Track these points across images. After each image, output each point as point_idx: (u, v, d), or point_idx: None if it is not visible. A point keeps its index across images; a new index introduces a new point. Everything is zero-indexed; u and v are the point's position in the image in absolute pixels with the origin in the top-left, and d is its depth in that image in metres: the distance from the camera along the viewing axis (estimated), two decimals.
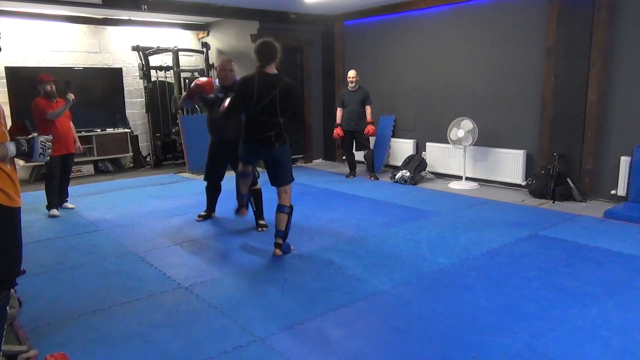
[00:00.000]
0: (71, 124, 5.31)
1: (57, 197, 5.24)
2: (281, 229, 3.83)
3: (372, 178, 6.96)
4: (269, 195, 4.36)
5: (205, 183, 4.90)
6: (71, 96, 5.06)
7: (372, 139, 7.45)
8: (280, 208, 3.83)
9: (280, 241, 3.85)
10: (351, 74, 6.82)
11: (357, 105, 6.77)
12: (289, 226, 3.86)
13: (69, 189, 5.55)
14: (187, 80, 8.40)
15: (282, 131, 3.71)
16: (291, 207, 3.87)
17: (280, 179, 3.81)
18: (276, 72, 3.64)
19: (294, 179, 3.93)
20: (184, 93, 4.59)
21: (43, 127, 4.86)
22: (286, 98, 3.62)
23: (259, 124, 3.63)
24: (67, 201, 5.46)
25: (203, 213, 4.97)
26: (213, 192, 4.92)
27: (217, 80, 4.58)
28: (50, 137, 2.32)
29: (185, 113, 8.16)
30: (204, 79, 4.37)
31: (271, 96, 3.55)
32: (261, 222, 4.61)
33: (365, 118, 6.81)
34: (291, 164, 3.93)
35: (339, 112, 6.94)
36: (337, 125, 6.94)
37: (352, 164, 7.20)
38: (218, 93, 4.48)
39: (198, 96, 4.43)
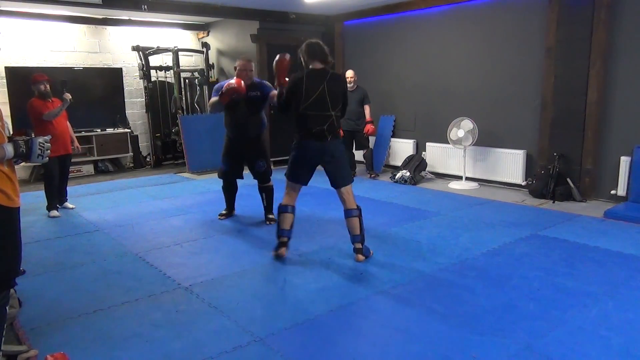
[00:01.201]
0: (68, 123, 5.27)
1: (56, 198, 5.22)
2: (357, 234, 3.69)
3: (372, 176, 7.00)
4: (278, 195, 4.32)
5: (222, 182, 4.89)
6: (68, 96, 5.01)
7: (371, 139, 7.47)
8: (348, 213, 3.68)
9: (360, 245, 3.72)
10: (349, 74, 6.84)
11: (355, 104, 6.78)
12: (363, 228, 3.72)
13: (68, 188, 5.54)
14: (187, 80, 8.42)
15: (335, 126, 3.64)
16: (359, 209, 3.71)
17: (339, 179, 3.67)
18: (323, 67, 3.64)
19: (353, 180, 3.85)
20: (213, 99, 4.43)
21: (40, 128, 4.81)
22: (337, 87, 3.63)
23: (309, 119, 3.57)
24: (67, 200, 5.44)
25: (224, 212, 4.97)
26: (231, 190, 4.92)
27: (234, 79, 4.47)
28: (48, 137, 2.31)
29: (185, 113, 8.17)
30: (233, 81, 4.25)
31: (320, 89, 3.55)
32: (270, 215, 4.76)
33: (364, 117, 6.83)
34: (347, 164, 3.84)
35: None
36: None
37: (352, 163, 7.20)
38: (254, 92, 4.48)
39: (230, 99, 4.31)
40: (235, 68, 4.55)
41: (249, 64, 4.52)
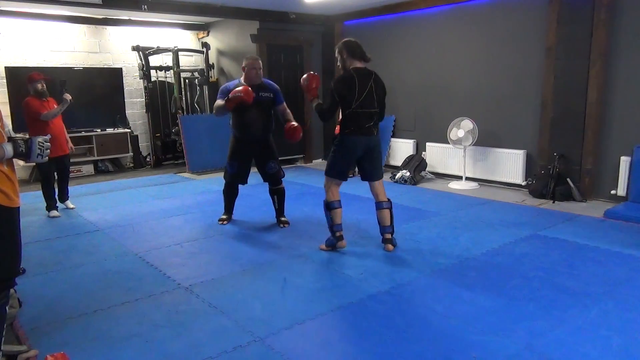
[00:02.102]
0: (63, 124, 5.17)
1: (54, 199, 5.20)
2: (387, 225, 3.91)
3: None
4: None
5: (224, 187, 4.77)
6: (68, 96, 4.93)
7: None
8: (380, 205, 3.89)
9: (389, 236, 3.93)
10: None
11: None
12: (393, 219, 3.94)
13: (69, 188, 5.51)
14: (187, 80, 8.42)
15: (378, 121, 3.85)
16: (390, 201, 3.92)
17: (377, 171, 3.89)
18: (365, 65, 3.79)
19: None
20: (219, 102, 4.32)
21: (35, 127, 4.72)
22: (380, 87, 3.80)
23: (359, 116, 3.71)
24: (67, 199, 5.41)
25: (224, 217, 4.81)
26: (233, 194, 4.78)
27: (242, 78, 4.45)
28: (48, 137, 2.30)
29: (185, 113, 8.17)
30: (240, 88, 4.16)
31: (369, 88, 3.70)
32: (282, 218, 4.72)
33: None
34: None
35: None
36: (338, 124, 6.96)
37: None
38: (265, 93, 4.42)
39: (235, 105, 4.23)
40: (243, 68, 4.39)
41: (258, 62, 4.41)
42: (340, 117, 6.71)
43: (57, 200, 5.27)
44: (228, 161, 4.60)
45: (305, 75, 3.96)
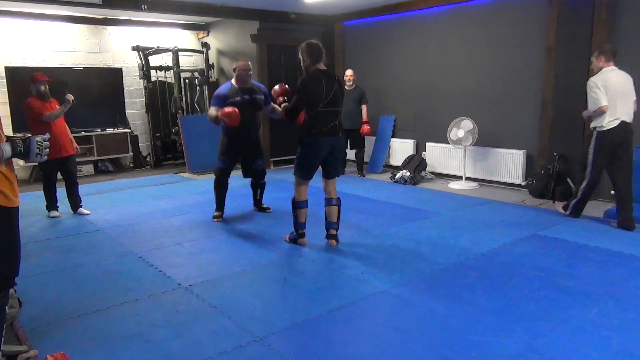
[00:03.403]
0: (66, 124, 5.12)
1: (55, 199, 5.17)
2: (335, 220, 4.05)
3: (359, 175, 7.15)
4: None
5: (214, 183, 4.91)
6: (70, 97, 4.91)
7: (371, 139, 7.49)
8: (330, 201, 4.02)
9: (335, 232, 4.07)
10: (348, 72, 6.87)
11: (353, 104, 6.81)
12: (339, 216, 4.08)
13: (79, 191, 5.32)
14: (187, 80, 8.42)
15: (341, 121, 3.96)
16: (339, 199, 4.07)
17: (337, 171, 4.06)
18: (326, 68, 3.88)
19: None
20: (212, 112, 4.52)
21: (37, 128, 4.65)
22: (341, 88, 3.90)
23: (326, 116, 3.81)
24: (81, 206, 5.25)
25: (217, 213, 4.94)
26: (224, 189, 4.92)
27: (233, 80, 4.64)
28: (47, 136, 2.29)
29: (185, 113, 8.17)
30: (230, 110, 4.34)
31: (335, 89, 3.80)
32: (264, 206, 5.21)
33: (361, 117, 6.85)
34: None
35: None
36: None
37: (343, 161, 7.27)
38: (244, 95, 4.57)
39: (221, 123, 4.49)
40: (234, 69, 4.59)
41: (248, 64, 4.63)
42: (364, 116, 6.83)
43: (58, 201, 5.24)
44: (219, 157, 4.82)
45: (276, 87, 4.20)
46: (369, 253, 3.90)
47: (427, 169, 6.91)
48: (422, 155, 7.02)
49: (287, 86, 4.20)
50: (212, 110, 4.50)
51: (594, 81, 4.28)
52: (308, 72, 3.80)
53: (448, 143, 6.46)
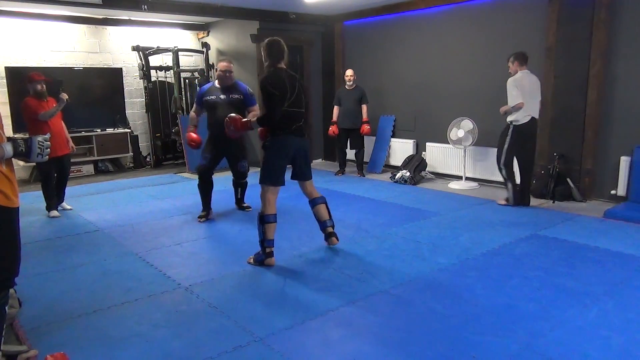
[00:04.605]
0: (63, 123, 5.17)
1: (55, 198, 5.20)
2: (327, 218, 3.99)
3: (359, 175, 7.15)
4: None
5: (198, 181, 4.94)
6: (64, 96, 4.94)
7: (370, 139, 7.49)
8: (315, 201, 3.95)
9: (332, 229, 4.01)
10: (349, 72, 6.87)
11: (353, 103, 6.82)
12: (330, 212, 4.03)
13: (68, 189, 5.47)
14: (187, 80, 8.42)
15: (306, 122, 3.85)
16: (323, 197, 4.02)
17: (308, 172, 3.91)
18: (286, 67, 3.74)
19: None
20: (192, 114, 4.96)
21: (34, 127, 4.74)
22: (303, 89, 3.79)
23: (292, 116, 3.63)
24: (63, 202, 5.37)
25: (203, 213, 4.95)
26: (209, 187, 4.93)
27: (216, 81, 4.81)
28: (48, 136, 2.30)
29: (185, 113, 8.16)
30: (192, 137, 4.76)
31: (297, 88, 3.66)
32: (244, 204, 5.31)
33: (361, 117, 6.85)
34: None
35: (335, 110, 7.05)
36: (333, 123, 7.07)
37: (343, 161, 7.34)
38: (220, 95, 4.72)
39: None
40: (215, 70, 4.64)
41: (231, 65, 4.76)
42: (364, 116, 6.80)
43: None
44: (202, 155, 4.88)
45: (228, 123, 4.01)
46: (369, 253, 3.90)
47: (427, 169, 6.91)
48: (422, 155, 7.02)
49: (245, 120, 4.00)
50: (192, 113, 4.95)
51: (513, 81, 4.97)
52: (269, 71, 3.61)
53: (448, 143, 6.46)
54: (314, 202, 3.95)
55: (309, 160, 3.93)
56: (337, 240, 4.00)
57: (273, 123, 3.61)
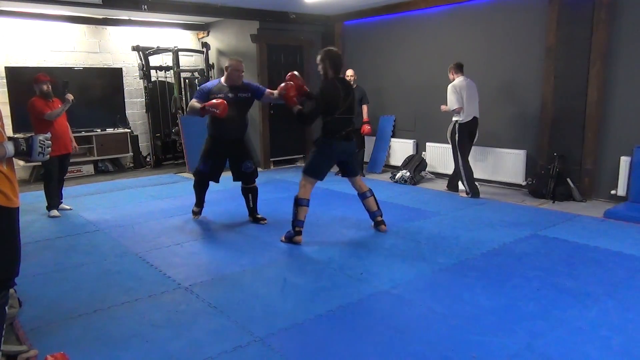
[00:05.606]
0: (67, 123, 5.24)
1: (56, 198, 5.21)
2: (376, 209, 4.38)
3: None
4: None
5: (194, 182, 4.85)
6: (70, 97, 5.03)
7: (370, 139, 7.48)
8: (364, 195, 4.35)
9: (381, 217, 4.40)
10: (349, 72, 6.85)
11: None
12: (378, 203, 4.41)
13: (68, 189, 5.51)
14: (187, 81, 8.42)
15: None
16: (371, 190, 4.39)
17: (356, 169, 4.38)
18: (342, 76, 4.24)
19: None
20: (194, 103, 4.41)
21: (40, 127, 4.79)
22: (354, 95, 4.21)
23: (343, 122, 4.07)
24: (62, 202, 5.35)
25: (196, 209, 4.94)
26: (204, 188, 4.83)
27: (222, 79, 4.57)
28: (49, 135, 2.30)
29: (185, 113, 8.16)
30: (217, 102, 4.20)
31: (350, 96, 4.09)
32: (259, 216, 4.83)
33: (362, 117, 6.85)
34: None
35: None
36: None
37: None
38: (228, 93, 4.47)
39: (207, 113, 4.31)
40: (226, 68, 4.53)
41: (241, 64, 4.57)
42: (364, 116, 6.88)
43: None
44: (202, 159, 4.66)
45: (282, 85, 4.16)
46: (369, 253, 3.90)
47: (427, 169, 6.91)
48: (422, 155, 7.02)
49: (304, 86, 4.21)
50: (194, 103, 4.37)
51: (452, 87, 5.60)
52: (327, 79, 4.02)
53: (448, 143, 6.45)
54: (363, 196, 4.35)
55: (356, 160, 4.44)
56: (385, 227, 4.38)
57: (309, 123, 4.22)
